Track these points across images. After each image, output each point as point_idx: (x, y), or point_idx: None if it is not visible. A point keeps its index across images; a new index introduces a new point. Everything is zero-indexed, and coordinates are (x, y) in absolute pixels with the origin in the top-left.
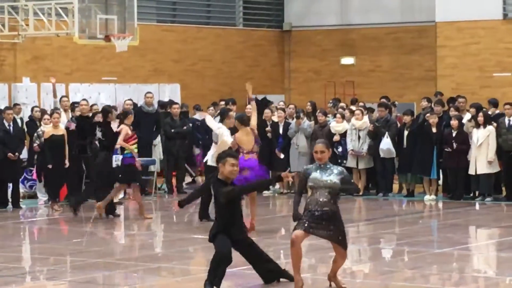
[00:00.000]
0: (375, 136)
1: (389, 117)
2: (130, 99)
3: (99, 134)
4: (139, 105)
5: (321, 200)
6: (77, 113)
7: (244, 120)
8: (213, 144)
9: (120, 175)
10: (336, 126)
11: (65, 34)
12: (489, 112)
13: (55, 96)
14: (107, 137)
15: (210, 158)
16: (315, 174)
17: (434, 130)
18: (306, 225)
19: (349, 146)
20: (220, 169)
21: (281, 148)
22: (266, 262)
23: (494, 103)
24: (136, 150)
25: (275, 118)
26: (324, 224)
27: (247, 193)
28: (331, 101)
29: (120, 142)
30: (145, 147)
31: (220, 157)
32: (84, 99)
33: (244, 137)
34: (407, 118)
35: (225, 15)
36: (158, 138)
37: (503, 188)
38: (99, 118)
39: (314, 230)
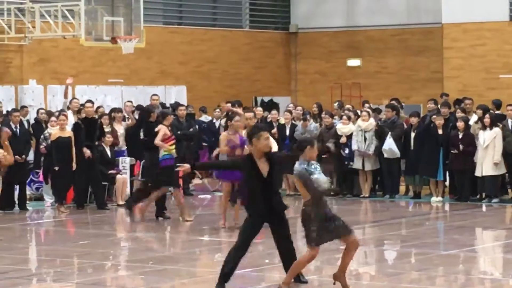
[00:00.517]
0: (380, 136)
1: (396, 118)
2: (130, 101)
3: (141, 134)
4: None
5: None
6: (83, 115)
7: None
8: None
9: (160, 178)
10: (343, 127)
11: (71, 36)
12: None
13: (65, 96)
14: (150, 137)
15: None
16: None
17: (440, 131)
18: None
19: (355, 147)
20: (253, 143)
21: (288, 150)
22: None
23: (497, 104)
24: (174, 151)
25: (282, 120)
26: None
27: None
28: (336, 103)
29: (157, 142)
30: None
31: (253, 132)
32: (89, 101)
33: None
34: (414, 120)
35: (232, 17)
36: None
37: (509, 190)
38: (105, 120)
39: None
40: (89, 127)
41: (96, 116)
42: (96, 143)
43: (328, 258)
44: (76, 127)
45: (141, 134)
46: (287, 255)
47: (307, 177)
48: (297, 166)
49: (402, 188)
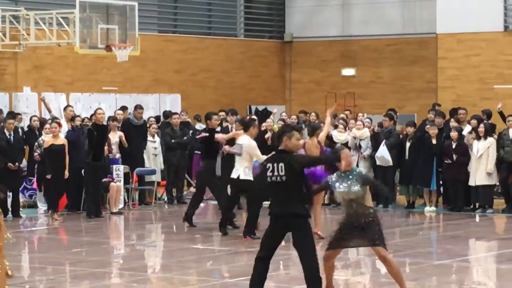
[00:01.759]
0: (376, 142)
1: (393, 128)
2: (121, 109)
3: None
4: (127, 117)
5: None
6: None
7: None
8: (238, 158)
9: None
10: (339, 135)
11: (66, 43)
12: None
13: (49, 111)
14: (210, 144)
15: (242, 172)
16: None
17: (434, 141)
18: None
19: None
20: (284, 142)
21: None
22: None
23: (487, 114)
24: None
25: (276, 129)
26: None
27: (318, 164)
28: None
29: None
30: (137, 158)
31: (286, 131)
32: (100, 108)
33: (314, 149)
34: (409, 130)
35: (226, 26)
36: (159, 148)
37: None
38: (115, 128)
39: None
40: (100, 134)
41: (105, 123)
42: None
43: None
44: (89, 134)
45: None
46: (305, 275)
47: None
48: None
49: (399, 198)
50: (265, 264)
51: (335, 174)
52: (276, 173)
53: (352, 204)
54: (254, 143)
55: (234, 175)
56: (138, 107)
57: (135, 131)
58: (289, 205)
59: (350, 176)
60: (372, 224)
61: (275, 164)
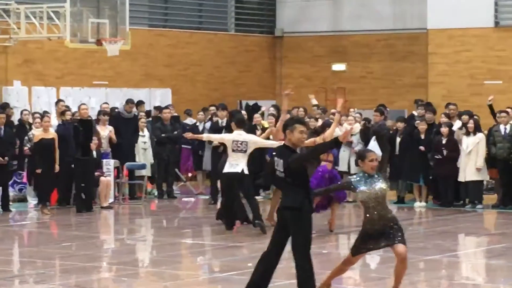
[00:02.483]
0: (366, 137)
1: (383, 123)
2: (106, 103)
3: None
4: (117, 111)
5: None
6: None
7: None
8: (240, 153)
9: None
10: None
11: (56, 37)
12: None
13: None
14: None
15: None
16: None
17: (423, 137)
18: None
19: (341, 149)
20: (287, 136)
21: (271, 153)
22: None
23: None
24: None
25: (265, 124)
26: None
27: (315, 155)
28: (320, 108)
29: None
30: (128, 152)
31: (288, 124)
32: (84, 103)
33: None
34: (400, 125)
35: (217, 20)
36: (149, 143)
37: (495, 195)
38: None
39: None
40: (86, 128)
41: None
42: None
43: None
44: (75, 129)
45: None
46: (296, 273)
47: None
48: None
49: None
50: (269, 259)
51: (357, 175)
52: (278, 168)
53: (375, 206)
54: (255, 137)
55: (237, 169)
56: (130, 101)
57: (125, 125)
58: (286, 199)
59: (374, 176)
60: (394, 228)
61: (277, 159)
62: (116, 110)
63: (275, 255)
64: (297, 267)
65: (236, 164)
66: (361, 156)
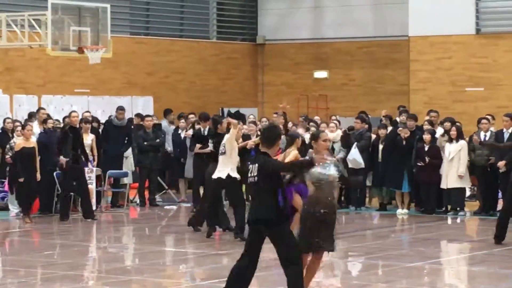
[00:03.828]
0: (347, 144)
1: (364, 130)
2: (88, 111)
3: (210, 146)
4: (109, 118)
5: None
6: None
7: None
8: (221, 156)
9: None
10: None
11: (38, 45)
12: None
13: None
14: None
15: (232, 172)
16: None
17: (405, 143)
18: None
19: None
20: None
21: None
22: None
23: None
24: None
25: (247, 131)
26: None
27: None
28: (302, 116)
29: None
30: (115, 160)
31: (315, 135)
32: (74, 111)
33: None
34: (382, 132)
35: (199, 28)
36: (130, 150)
37: (477, 202)
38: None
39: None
40: (76, 136)
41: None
42: None
43: None
44: (64, 136)
45: (210, 145)
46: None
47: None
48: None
49: (375, 200)
50: (246, 276)
51: (311, 153)
52: (251, 174)
53: (324, 189)
54: (228, 136)
55: (221, 174)
56: (119, 108)
57: (115, 132)
58: (260, 209)
59: (328, 162)
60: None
61: (252, 165)
62: (111, 116)
63: (252, 268)
64: (292, 271)
65: (222, 169)
66: (314, 137)
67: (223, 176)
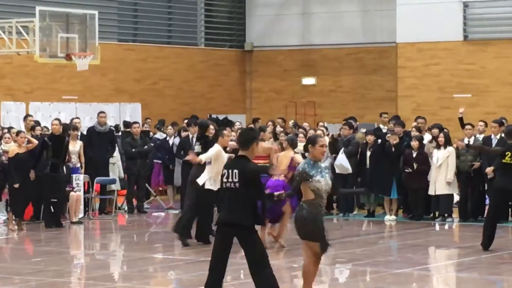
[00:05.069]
0: (334, 149)
1: (352, 137)
2: (78, 118)
3: (197, 148)
4: (92, 125)
5: None
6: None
7: (294, 144)
8: (207, 166)
9: None
10: (299, 144)
11: (25, 52)
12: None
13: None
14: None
15: (208, 182)
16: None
17: (393, 150)
18: None
19: None
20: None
21: None
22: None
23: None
24: None
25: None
26: None
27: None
28: (292, 122)
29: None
30: (100, 167)
31: (312, 140)
32: (56, 119)
33: (285, 160)
34: (370, 138)
35: (187, 35)
36: (118, 157)
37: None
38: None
39: None
40: (57, 144)
41: (61, 134)
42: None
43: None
44: (43, 145)
45: (196, 148)
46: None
47: (300, 177)
48: (301, 164)
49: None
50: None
51: (305, 161)
52: (230, 179)
53: (323, 196)
54: (212, 149)
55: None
56: (101, 112)
57: (98, 139)
58: (237, 214)
59: (321, 165)
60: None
61: (230, 170)
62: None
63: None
64: (267, 279)
65: (204, 176)
66: (312, 141)
67: (200, 183)
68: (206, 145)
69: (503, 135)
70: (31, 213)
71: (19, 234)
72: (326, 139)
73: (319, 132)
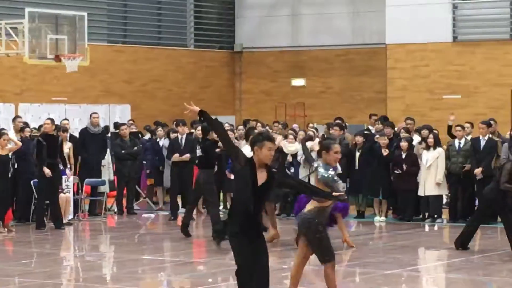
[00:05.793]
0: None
1: (342, 137)
2: (66, 119)
3: (198, 151)
4: (85, 126)
5: None
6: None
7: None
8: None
9: None
10: (290, 146)
11: (15, 54)
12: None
13: None
14: (209, 154)
15: None
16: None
17: (383, 151)
18: None
19: (301, 163)
20: (255, 152)
21: (231, 169)
22: None
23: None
24: None
25: None
26: None
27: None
28: (281, 123)
29: None
30: (93, 168)
31: (257, 140)
32: (49, 119)
33: None
34: (359, 139)
35: (176, 36)
36: (109, 159)
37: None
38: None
39: None
40: (51, 144)
41: (55, 133)
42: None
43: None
44: (38, 145)
45: (198, 151)
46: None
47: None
48: (322, 170)
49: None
50: None
51: (320, 165)
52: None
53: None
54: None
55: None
56: (93, 113)
57: (92, 140)
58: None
59: (334, 172)
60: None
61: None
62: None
63: None
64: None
65: None
66: (326, 147)
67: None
68: (207, 148)
69: (491, 136)
70: (11, 216)
71: (2, 236)
72: (317, 140)
73: (309, 133)
